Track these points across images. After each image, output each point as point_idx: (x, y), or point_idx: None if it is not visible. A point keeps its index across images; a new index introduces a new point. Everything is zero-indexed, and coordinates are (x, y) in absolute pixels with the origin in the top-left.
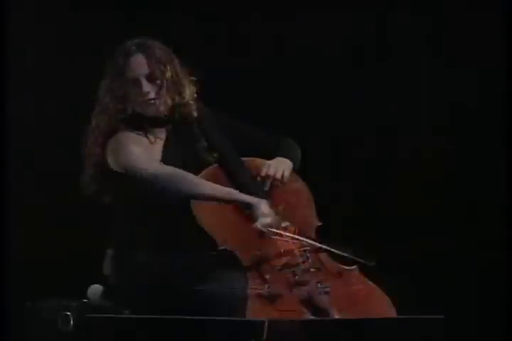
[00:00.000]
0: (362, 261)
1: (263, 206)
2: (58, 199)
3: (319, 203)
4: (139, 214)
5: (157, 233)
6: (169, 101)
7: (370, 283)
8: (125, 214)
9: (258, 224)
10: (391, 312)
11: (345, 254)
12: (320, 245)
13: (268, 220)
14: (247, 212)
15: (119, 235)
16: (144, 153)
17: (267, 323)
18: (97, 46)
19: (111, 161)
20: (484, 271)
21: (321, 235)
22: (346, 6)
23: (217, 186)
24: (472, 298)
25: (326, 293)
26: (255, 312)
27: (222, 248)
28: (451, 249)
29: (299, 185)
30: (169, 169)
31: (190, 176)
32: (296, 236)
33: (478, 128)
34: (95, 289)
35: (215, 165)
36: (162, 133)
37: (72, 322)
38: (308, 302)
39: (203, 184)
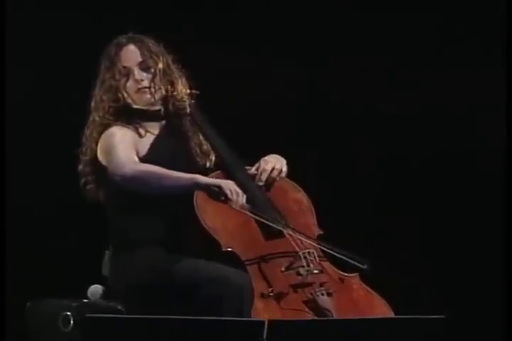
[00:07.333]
0: (355, 262)
1: (231, 185)
2: (58, 199)
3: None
4: (139, 214)
5: (158, 233)
6: (163, 91)
7: (371, 290)
8: (124, 213)
9: (234, 204)
10: None
11: (344, 257)
12: (321, 246)
13: (242, 199)
14: (221, 197)
15: (117, 236)
16: (126, 155)
17: (267, 323)
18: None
19: (102, 160)
20: (484, 270)
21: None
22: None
23: (182, 174)
24: (472, 298)
25: (329, 294)
26: (259, 312)
27: (226, 249)
28: (451, 248)
29: (301, 194)
30: (139, 167)
31: (158, 170)
32: (299, 237)
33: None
34: (95, 289)
35: (218, 172)
36: (155, 128)
37: (72, 322)
38: (312, 303)
39: (168, 177)
